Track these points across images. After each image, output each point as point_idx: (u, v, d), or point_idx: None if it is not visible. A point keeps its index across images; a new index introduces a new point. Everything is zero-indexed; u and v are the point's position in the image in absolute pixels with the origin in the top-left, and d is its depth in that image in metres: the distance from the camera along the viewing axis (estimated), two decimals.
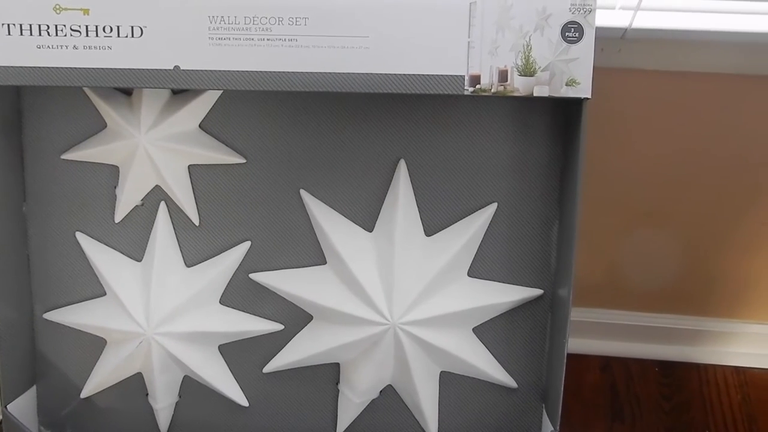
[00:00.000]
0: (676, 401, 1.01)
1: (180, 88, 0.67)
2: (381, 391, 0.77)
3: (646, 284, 1.01)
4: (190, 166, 0.73)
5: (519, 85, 0.63)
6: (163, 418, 0.78)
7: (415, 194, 0.72)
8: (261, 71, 0.63)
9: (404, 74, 0.63)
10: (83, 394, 0.78)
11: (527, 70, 0.62)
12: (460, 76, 0.63)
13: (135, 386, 0.78)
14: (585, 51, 0.62)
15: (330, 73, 0.63)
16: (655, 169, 0.91)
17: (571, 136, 0.67)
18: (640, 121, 0.87)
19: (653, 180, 0.92)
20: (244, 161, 0.73)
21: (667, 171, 0.91)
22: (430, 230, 0.73)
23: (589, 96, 0.62)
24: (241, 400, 0.77)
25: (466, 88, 0.63)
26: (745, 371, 1.05)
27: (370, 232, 0.73)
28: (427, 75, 0.63)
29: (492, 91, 0.63)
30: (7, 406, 0.74)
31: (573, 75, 0.62)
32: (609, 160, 0.89)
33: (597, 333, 1.05)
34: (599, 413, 0.99)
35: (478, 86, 0.63)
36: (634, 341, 1.06)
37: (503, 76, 0.63)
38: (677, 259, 0.98)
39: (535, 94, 0.63)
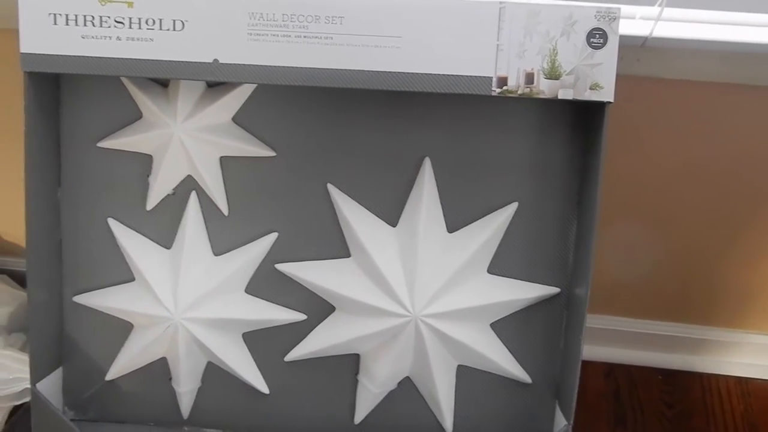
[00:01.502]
0: (679, 409, 1.02)
1: (218, 81, 0.70)
2: (399, 383, 0.78)
3: (650, 291, 1.02)
4: (221, 158, 0.75)
5: (544, 88, 0.65)
6: (186, 402, 0.80)
7: (438, 191, 0.74)
8: (297, 67, 0.66)
9: (434, 74, 0.65)
10: (108, 377, 0.80)
11: (553, 74, 0.65)
12: (488, 77, 0.65)
13: (159, 370, 0.80)
14: (609, 56, 0.64)
15: (363, 70, 0.65)
16: (665, 176, 0.92)
17: (591, 139, 0.70)
18: (653, 128, 0.88)
19: (662, 187, 0.93)
20: (274, 154, 0.75)
21: (676, 178, 0.92)
22: (452, 227, 0.75)
23: (612, 100, 0.65)
24: (263, 387, 0.79)
25: (493, 89, 0.65)
26: (747, 381, 1.06)
27: (394, 227, 0.75)
28: (456, 75, 0.65)
29: (518, 92, 0.65)
30: (36, 385, 0.76)
31: (597, 79, 0.64)
32: (621, 166, 0.91)
33: (601, 339, 1.06)
34: (602, 418, 1.00)
35: (505, 87, 0.65)
36: (638, 348, 1.07)
37: (530, 78, 0.65)
38: (682, 266, 0.99)
39: (559, 97, 0.65)
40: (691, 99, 0.85)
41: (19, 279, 1.10)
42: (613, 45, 0.64)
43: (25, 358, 0.94)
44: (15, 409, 0.93)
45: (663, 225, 0.96)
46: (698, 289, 1.01)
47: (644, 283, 1.01)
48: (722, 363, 1.06)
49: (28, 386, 0.90)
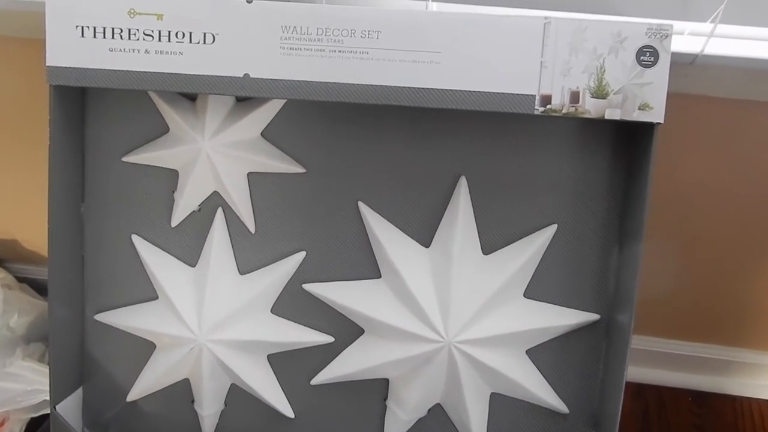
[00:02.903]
0: None
1: (249, 96, 0.68)
2: (429, 410, 0.76)
3: (681, 311, 0.99)
4: (249, 174, 0.73)
5: (590, 107, 0.62)
6: (208, 425, 0.78)
7: (473, 212, 0.71)
8: (331, 82, 0.63)
9: (474, 91, 0.63)
10: (129, 398, 0.78)
11: (600, 92, 0.62)
12: (531, 95, 0.62)
13: (181, 392, 0.78)
14: (659, 76, 0.61)
15: (400, 87, 0.63)
16: (699, 195, 0.90)
17: (636, 161, 0.67)
18: (691, 146, 0.86)
19: (696, 206, 0.91)
20: (304, 171, 0.73)
21: (710, 198, 0.90)
22: (487, 248, 0.72)
23: (662, 121, 0.62)
24: (288, 411, 0.77)
25: (536, 107, 0.62)
26: None
27: (427, 247, 0.73)
28: (498, 93, 0.62)
29: (563, 111, 0.62)
30: (56, 407, 0.74)
31: (646, 99, 0.61)
32: (659, 184, 0.88)
33: (630, 358, 1.03)
34: None
35: (548, 106, 0.62)
36: (668, 369, 1.04)
37: (575, 97, 0.62)
38: (713, 286, 0.97)
39: (606, 117, 0.62)
40: (736, 118, 0.83)
41: (39, 288, 1.10)
42: (664, 64, 0.61)
43: (44, 369, 0.93)
44: (33, 420, 0.92)
45: (694, 244, 0.94)
46: (730, 310, 0.99)
47: (675, 303, 0.99)
48: (755, 386, 1.04)
49: (47, 398, 0.89)
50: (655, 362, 1.04)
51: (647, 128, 0.63)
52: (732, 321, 1.00)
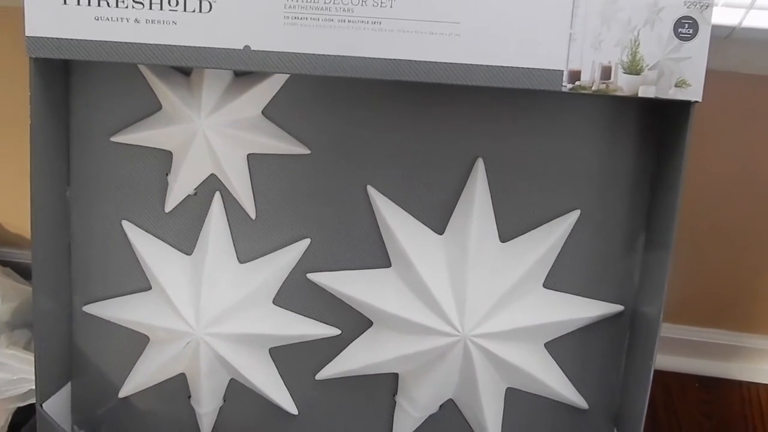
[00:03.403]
0: (717, 420, 0.97)
1: (249, 71, 0.62)
2: (441, 406, 0.72)
3: (689, 296, 0.97)
4: (249, 155, 0.68)
5: (623, 84, 0.57)
6: (206, 422, 0.74)
7: (491, 197, 0.67)
8: (339, 56, 0.58)
9: (497, 66, 0.58)
10: (121, 394, 0.74)
11: (633, 68, 0.57)
12: (559, 70, 0.57)
13: (177, 388, 0.73)
14: (698, 50, 0.56)
15: (415, 61, 0.58)
16: (716, 181, 0.87)
17: (668, 142, 0.62)
18: (713, 128, 0.82)
19: (712, 192, 0.88)
20: (308, 152, 0.68)
21: (728, 184, 0.87)
22: (505, 236, 0.68)
23: (700, 99, 0.57)
24: (291, 407, 0.73)
25: (564, 84, 0.58)
26: None
27: (441, 234, 0.68)
28: (522, 68, 0.58)
29: (593, 89, 0.58)
30: (43, 405, 0.69)
31: (684, 75, 0.57)
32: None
33: None
34: None
35: (577, 83, 0.58)
36: (676, 354, 1.02)
37: (606, 73, 0.57)
38: (722, 271, 0.95)
39: (640, 95, 0.57)
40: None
41: (23, 272, 1.05)
42: (704, 36, 0.56)
43: (30, 357, 0.89)
44: (19, 410, 0.87)
45: (708, 230, 0.91)
46: (739, 295, 0.97)
47: (684, 288, 0.96)
48: (763, 371, 1.02)
49: (33, 387, 0.85)
50: (661, 348, 1.01)
51: (682, 107, 0.58)
52: (741, 306, 0.98)
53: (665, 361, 1.02)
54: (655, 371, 1.03)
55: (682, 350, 1.01)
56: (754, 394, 1.01)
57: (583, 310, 0.68)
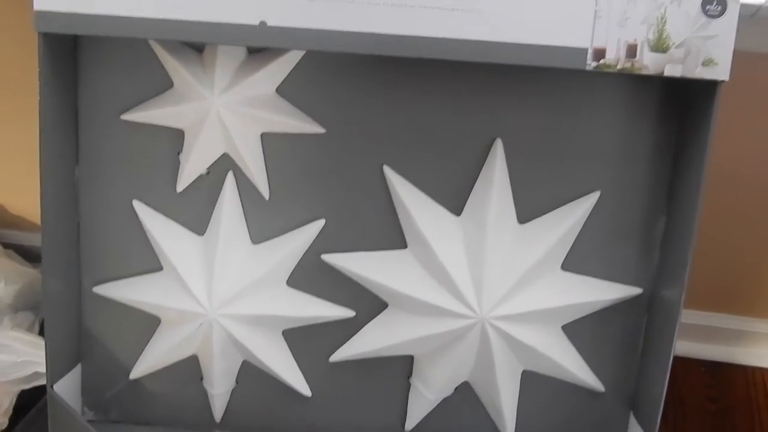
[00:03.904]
0: (722, 404, 0.97)
1: (265, 47, 0.61)
2: (456, 388, 0.71)
3: (694, 280, 0.96)
4: (262, 134, 0.67)
5: (648, 62, 0.56)
6: (219, 404, 0.73)
7: (509, 177, 0.66)
8: (356, 32, 0.57)
9: (519, 44, 0.56)
10: (132, 376, 0.73)
11: (660, 46, 0.56)
12: (583, 48, 0.56)
13: (189, 369, 0.72)
14: (727, 27, 0.55)
15: (436, 38, 0.56)
16: (735, 162, 0.86)
17: (692, 123, 0.61)
18: (736, 109, 0.80)
19: (721, 176, 0.86)
20: (323, 131, 0.67)
21: (736, 169, 0.86)
22: (524, 217, 0.67)
23: (727, 78, 0.56)
24: (304, 389, 0.72)
25: (588, 62, 0.56)
26: None
27: (458, 215, 0.67)
28: (546, 46, 0.56)
29: (617, 67, 0.56)
30: (53, 386, 0.68)
31: (711, 54, 0.55)
32: None
33: None
34: None
35: (602, 61, 0.56)
36: (680, 339, 0.99)
37: (632, 51, 0.56)
38: (727, 255, 0.94)
39: (666, 74, 0.56)
40: None
41: (26, 254, 1.04)
42: (732, 14, 0.55)
43: (33, 339, 0.88)
44: (24, 393, 0.87)
45: (719, 213, 0.90)
46: (744, 279, 0.96)
47: (689, 272, 0.95)
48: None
49: (38, 370, 0.85)
50: None
51: (708, 87, 0.57)
52: (747, 290, 0.97)
53: None
54: None
55: (687, 335, 1.00)
56: (759, 377, 1.00)
57: (601, 292, 0.67)
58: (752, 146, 0.85)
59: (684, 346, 1.02)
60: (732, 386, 0.99)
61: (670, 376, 1.00)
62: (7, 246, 1.05)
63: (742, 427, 0.93)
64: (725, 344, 1.01)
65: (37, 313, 0.97)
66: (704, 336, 1.01)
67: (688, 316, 1.00)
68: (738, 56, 0.56)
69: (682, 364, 1.02)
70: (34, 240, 0.99)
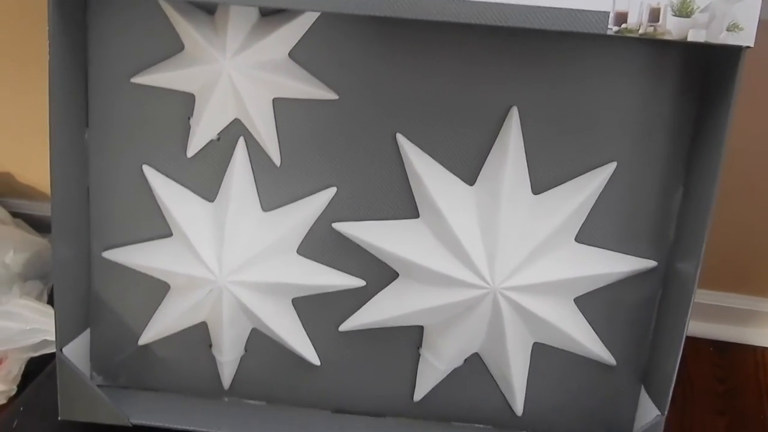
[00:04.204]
0: (731, 384, 0.96)
1: (277, 8, 0.59)
2: (466, 359, 0.71)
3: (708, 259, 0.94)
4: (274, 100, 0.66)
5: (672, 27, 0.55)
6: (227, 371, 0.73)
7: (524, 147, 0.65)
8: None
9: (538, 6, 0.55)
10: (141, 341, 0.73)
11: (683, 10, 0.54)
12: (605, 12, 0.55)
13: (197, 336, 0.72)
14: None
15: (453, 0, 0.55)
16: (751, 139, 0.84)
17: (713, 92, 0.60)
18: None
19: (744, 150, 0.84)
20: (336, 97, 0.66)
21: (761, 143, 0.84)
22: (538, 188, 0.66)
23: (752, 44, 0.54)
24: (313, 358, 0.72)
25: (609, 26, 0.55)
26: None
27: (472, 185, 0.66)
28: (566, 9, 0.55)
29: (639, 32, 0.55)
30: (63, 349, 0.68)
31: (736, 18, 0.54)
32: None
33: None
34: None
35: (623, 26, 0.55)
36: (691, 318, 0.99)
37: (655, 15, 0.54)
38: (739, 235, 0.92)
39: (689, 39, 0.55)
40: None
41: (35, 224, 1.04)
42: None
43: (42, 308, 0.89)
44: (32, 360, 0.87)
45: (730, 191, 0.86)
46: (757, 259, 0.95)
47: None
48: None
49: (46, 338, 0.85)
50: None
51: (732, 53, 0.56)
52: (760, 270, 0.96)
53: None
54: None
55: (697, 314, 0.98)
56: None
57: (615, 265, 0.66)
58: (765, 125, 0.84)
59: (694, 326, 0.99)
60: (741, 367, 0.98)
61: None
62: (17, 215, 1.05)
63: (750, 408, 0.92)
64: (736, 324, 1.00)
65: (46, 282, 0.97)
66: (714, 316, 1.00)
67: (698, 296, 0.99)
68: (763, 26, 0.55)
69: (692, 343, 1.00)
70: (43, 210, 0.98)
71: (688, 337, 1.01)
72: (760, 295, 0.98)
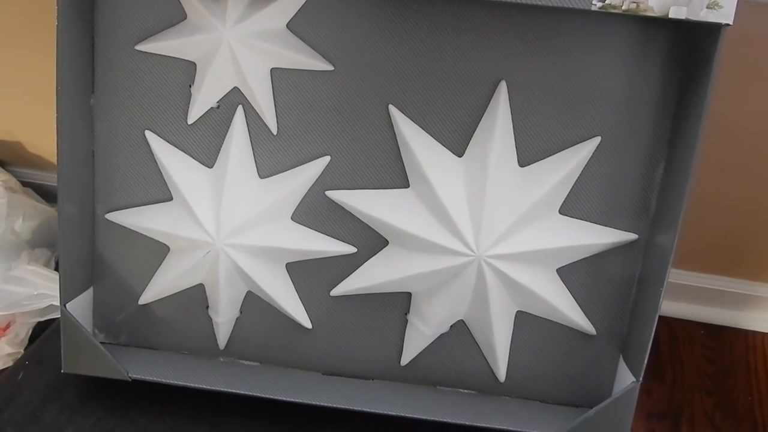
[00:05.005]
0: (720, 365, 0.97)
1: None
2: (451, 326, 0.73)
3: (697, 242, 0.96)
4: (272, 70, 0.68)
5: (654, 4, 0.56)
6: (223, 332, 0.76)
7: (512, 120, 0.67)
8: None
9: None
10: (141, 301, 0.75)
11: None
12: None
13: (195, 297, 0.75)
14: None
15: None
16: (744, 122, 0.84)
17: (695, 70, 0.62)
18: (747, 64, 0.80)
19: (736, 132, 0.86)
20: (332, 69, 0.68)
21: (753, 125, 0.85)
22: (525, 160, 0.68)
23: (731, 22, 0.56)
24: (305, 321, 0.74)
25: (594, 2, 0.57)
26: None
27: (460, 156, 0.68)
28: None
29: (623, 8, 0.57)
30: (66, 305, 0.71)
31: None
32: None
33: None
34: None
35: (607, 2, 0.57)
36: (682, 301, 1.02)
37: None
38: (731, 218, 0.93)
39: (670, 16, 0.57)
40: None
41: (43, 193, 1.07)
42: None
43: (49, 273, 0.92)
44: (39, 325, 0.90)
45: (725, 172, 0.90)
46: (748, 243, 0.96)
47: (691, 234, 0.94)
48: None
49: (53, 303, 0.88)
50: (669, 294, 0.99)
51: (712, 31, 0.58)
52: (753, 254, 0.97)
53: (672, 307, 1.02)
54: (661, 317, 1.01)
55: (689, 297, 1.01)
56: (759, 342, 1.01)
57: (597, 236, 0.68)
58: (763, 105, 0.84)
59: (687, 309, 1.02)
60: (731, 349, 1.00)
61: (669, 337, 1.01)
62: (26, 185, 1.07)
63: (739, 388, 0.94)
64: (728, 308, 1.01)
65: (54, 250, 1.00)
66: (707, 299, 1.01)
67: (691, 278, 1.00)
68: (745, 6, 0.57)
69: (684, 326, 1.03)
70: (52, 179, 1.01)
71: (679, 320, 1.05)
72: (752, 279, 0.99)
